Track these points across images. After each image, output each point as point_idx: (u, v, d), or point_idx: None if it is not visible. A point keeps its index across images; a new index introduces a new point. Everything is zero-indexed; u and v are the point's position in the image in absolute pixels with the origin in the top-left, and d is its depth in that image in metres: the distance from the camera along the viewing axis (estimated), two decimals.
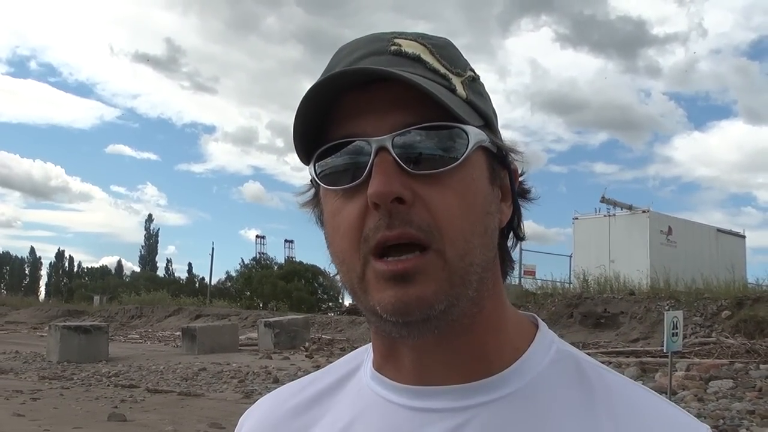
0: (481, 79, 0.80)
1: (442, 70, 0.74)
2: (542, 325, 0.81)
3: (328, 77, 0.70)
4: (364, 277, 0.71)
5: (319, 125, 0.74)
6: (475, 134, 0.72)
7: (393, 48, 0.74)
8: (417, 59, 0.74)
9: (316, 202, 0.80)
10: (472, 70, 0.78)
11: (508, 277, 0.84)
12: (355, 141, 0.71)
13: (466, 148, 0.71)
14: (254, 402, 0.92)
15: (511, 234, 0.82)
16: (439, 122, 0.70)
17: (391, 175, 0.69)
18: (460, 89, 0.74)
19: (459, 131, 0.71)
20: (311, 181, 0.78)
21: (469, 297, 0.72)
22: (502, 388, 0.74)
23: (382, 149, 0.70)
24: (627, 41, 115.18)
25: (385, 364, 0.79)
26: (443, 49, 0.77)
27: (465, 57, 0.80)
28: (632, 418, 0.72)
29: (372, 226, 0.70)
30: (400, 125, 0.70)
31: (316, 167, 0.74)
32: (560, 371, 0.76)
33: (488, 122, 0.76)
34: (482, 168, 0.74)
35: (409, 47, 0.74)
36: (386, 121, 0.71)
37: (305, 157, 0.75)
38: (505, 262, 0.81)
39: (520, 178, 0.82)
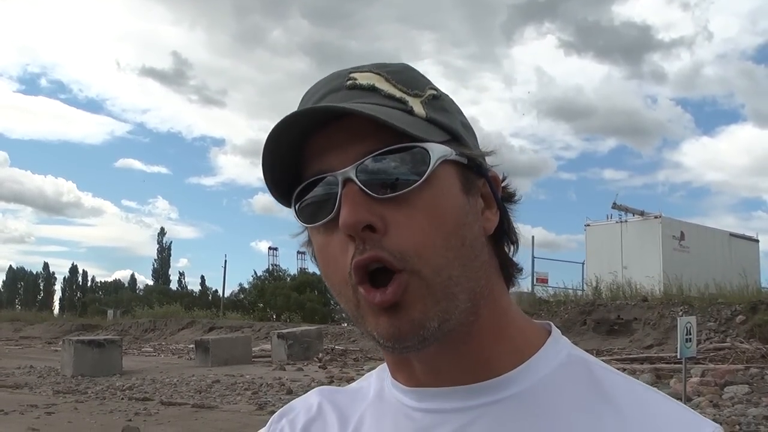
0: (448, 95, 0.81)
1: (398, 94, 0.75)
2: (555, 331, 0.82)
3: (277, 125, 0.72)
4: (359, 306, 0.74)
5: (294, 169, 0.76)
6: (438, 150, 0.73)
7: (349, 83, 0.76)
8: (372, 89, 0.75)
9: (309, 241, 0.81)
10: (434, 89, 0.79)
11: (517, 283, 0.84)
12: (325, 177, 0.73)
13: (429, 166, 0.71)
14: (268, 413, 0.94)
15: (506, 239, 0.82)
16: (397, 144, 0.71)
17: (357, 204, 0.70)
18: (418, 109, 0.75)
19: (420, 150, 0.71)
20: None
21: (461, 309, 0.73)
22: (509, 388, 0.76)
23: (348, 180, 0.71)
24: (632, 47, 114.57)
25: (398, 370, 0.82)
26: (399, 74, 0.78)
27: (425, 77, 0.80)
28: (638, 414, 0.73)
29: (350, 256, 0.72)
30: (363, 155, 0.72)
31: (296, 208, 0.76)
32: (569, 374, 0.77)
33: (455, 136, 0.76)
34: (452, 181, 0.74)
35: (364, 79, 0.77)
36: (350, 153, 0.72)
37: (286, 200, 0.78)
38: (506, 268, 0.82)
39: (504, 183, 0.82)
